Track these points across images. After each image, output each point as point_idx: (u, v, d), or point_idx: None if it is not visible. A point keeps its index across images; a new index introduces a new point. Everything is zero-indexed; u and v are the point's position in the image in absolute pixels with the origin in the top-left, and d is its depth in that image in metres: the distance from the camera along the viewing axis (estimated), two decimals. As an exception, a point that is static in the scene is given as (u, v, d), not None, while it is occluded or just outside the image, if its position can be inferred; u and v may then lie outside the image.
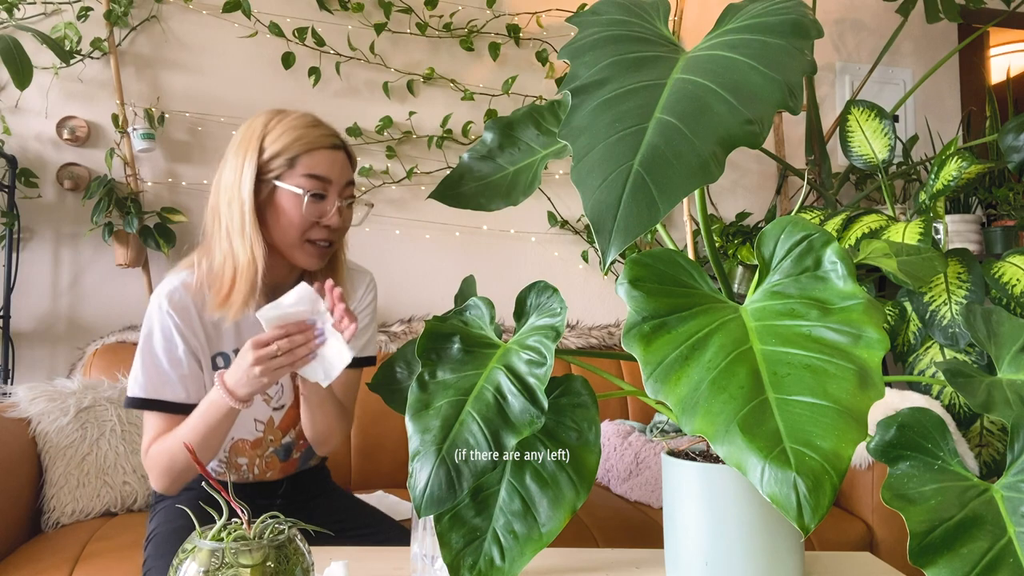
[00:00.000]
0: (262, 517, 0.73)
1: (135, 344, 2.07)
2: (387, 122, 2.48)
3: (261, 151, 1.16)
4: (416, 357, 0.87)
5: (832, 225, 2.05)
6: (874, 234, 1.94)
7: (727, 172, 2.72)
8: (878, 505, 1.78)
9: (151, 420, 1.18)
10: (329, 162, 1.18)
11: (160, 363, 1.18)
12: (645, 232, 0.67)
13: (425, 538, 0.91)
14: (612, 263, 0.76)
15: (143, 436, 1.19)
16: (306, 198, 1.15)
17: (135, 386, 1.18)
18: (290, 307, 1.05)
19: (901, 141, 2.56)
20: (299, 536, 0.73)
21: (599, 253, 0.65)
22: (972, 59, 3.12)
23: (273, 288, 1.22)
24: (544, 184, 2.60)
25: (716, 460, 0.87)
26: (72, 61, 2.21)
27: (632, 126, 0.73)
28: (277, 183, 1.16)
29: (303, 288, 1.07)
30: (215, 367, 1.23)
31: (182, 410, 1.16)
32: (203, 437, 1.11)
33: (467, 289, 1.05)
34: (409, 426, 0.78)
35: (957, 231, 2.49)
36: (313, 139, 1.18)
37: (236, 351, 1.23)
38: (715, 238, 2.56)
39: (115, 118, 2.27)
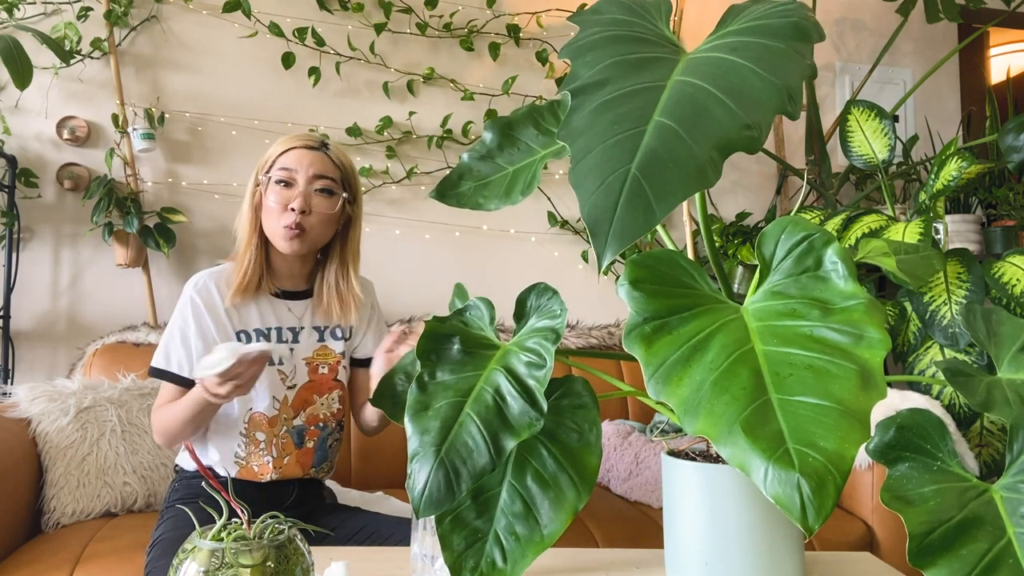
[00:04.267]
0: (262, 517, 0.72)
1: (135, 344, 2.11)
2: (387, 122, 2.48)
3: (261, 166, 1.39)
4: (415, 367, 0.87)
5: (832, 225, 2.05)
6: (874, 234, 1.94)
7: (727, 172, 2.72)
8: (878, 505, 1.78)
9: (163, 388, 1.38)
10: (297, 157, 1.35)
11: (174, 340, 1.37)
12: (640, 237, 0.67)
13: (425, 538, 0.91)
14: (610, 265, 0.76)
15: (156, 399, 1.39)
16: (272, 185, 1.34)
17: (156, 356, 1.38)
18: (214, 362, 1.17)
19: (901, 141, 2.55)
20: (299, 536, 0.73)
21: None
22: (972, 59, 3.12)
23: (287, 280, 1.43)
24: (544, 184, 2.60)
25: (716, 460, 0.87)
26: (72, 61, 2.21)
27: (630, 129, 0.73)
28: (261, 182, 1.37)
29: (220, 347, 1.20)
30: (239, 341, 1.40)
31: (187, 383, 1.34)
32: (190, 417, 1.28)
33: (458, 298, 1.03)
34: (408, 427, 0.78)
35: (957, 231, 2.49)
36: (287, 142, 1.38)
37: (257, 330, 1.40)
38: (715, 238, 2.56)
39: (115, 118, 2.27)
